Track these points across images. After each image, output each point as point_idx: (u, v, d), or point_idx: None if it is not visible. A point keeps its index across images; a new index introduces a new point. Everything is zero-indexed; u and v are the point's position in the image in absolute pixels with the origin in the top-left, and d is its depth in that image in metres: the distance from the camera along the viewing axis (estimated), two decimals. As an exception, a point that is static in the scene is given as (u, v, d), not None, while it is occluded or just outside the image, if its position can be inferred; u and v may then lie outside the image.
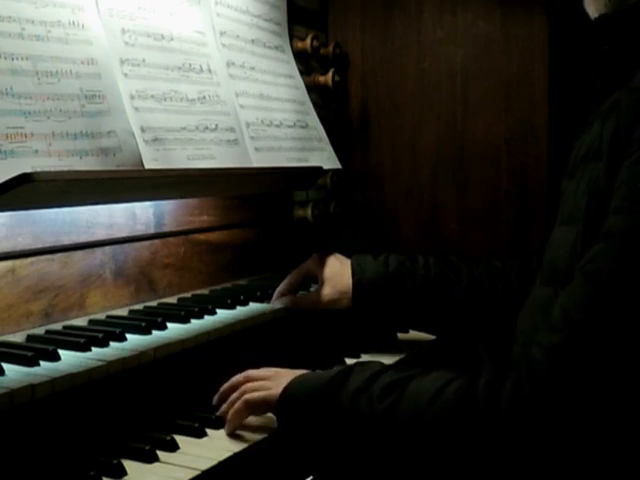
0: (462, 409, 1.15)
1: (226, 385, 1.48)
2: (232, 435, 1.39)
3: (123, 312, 1.68)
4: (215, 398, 1.48)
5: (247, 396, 1.41)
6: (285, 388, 1.35)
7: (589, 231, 1.18)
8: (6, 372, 1.25)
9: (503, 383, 1.14)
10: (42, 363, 1.31)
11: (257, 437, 1.39)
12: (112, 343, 1.44)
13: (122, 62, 1.63)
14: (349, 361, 1.78)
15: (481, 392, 1.15)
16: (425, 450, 1.18)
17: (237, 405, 1.40)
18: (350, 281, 1.84)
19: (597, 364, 1.08)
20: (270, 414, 1.41)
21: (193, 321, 1.63)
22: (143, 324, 1.53)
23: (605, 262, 1.11)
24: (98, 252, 1.65)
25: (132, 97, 1.62)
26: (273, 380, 1.42)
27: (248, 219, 2.11)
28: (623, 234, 1.10)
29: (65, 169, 1.41)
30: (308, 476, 1.41)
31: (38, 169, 1.34)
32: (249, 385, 1.43)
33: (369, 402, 1.24)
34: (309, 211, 2.29)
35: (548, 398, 1.10)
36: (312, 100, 2.24)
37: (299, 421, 1.33)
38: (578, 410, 1.08)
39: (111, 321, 1.60)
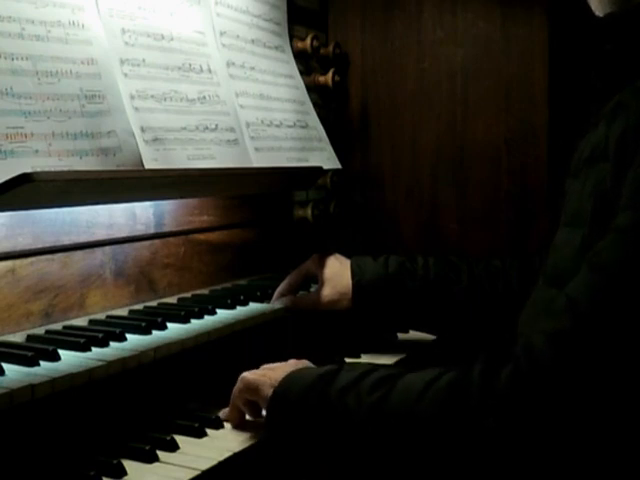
0: (454, 397, 1.12)
1: (230, 405, 1.46)
2: (232, 435, 1.39)
3: (123, 312, 1.68)
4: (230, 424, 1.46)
5: (246, 378, 1.40)
6: (275, 389, 1.34)
7: (595, 233, 1.18)
8: (6, 372, 1.25)
9: (499, 370, 1.11)
10: (42, 363, 1.31)
11: (257, 437, 1.39)
12: (112, 343, 1.44)
13: (122, 62, 1.63)
14: (349, 361, 1.78)
15: (475, 380, 1.12)
16: (416, 443, 1.15)
17: (237, 387, 1.41)
18: (350, 282, 1.84)
19: (601, 353, 1.07)
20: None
21: (193, 321, 1.63)
22: (143, 324, 1.53)
23: (613, 254, 1.10)
24: (98, 252, 1.65)
25: (132, 97, 1.62)
26: (269, 374, 1.41)
27: (248, 219, 2.11)
28: (631, 229, 1.10)
29: (65, 169, 1.41)
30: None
31: (38, 169, 1.34)
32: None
33: (357, 398, 1.22)
34: (309, 211, 2.29)
35: (548, 385, 1.07)
36: (312, 100, 2.24)
37: (289, 421, 1.31)
38: (579, 399, 1.07)
39: (111, 321, 1.60)
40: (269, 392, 1.35)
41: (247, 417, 1.45)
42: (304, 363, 1.45)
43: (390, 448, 1.18)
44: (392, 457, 1.18)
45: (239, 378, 1.42)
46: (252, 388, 1.39)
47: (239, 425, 1.43)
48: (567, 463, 1.09)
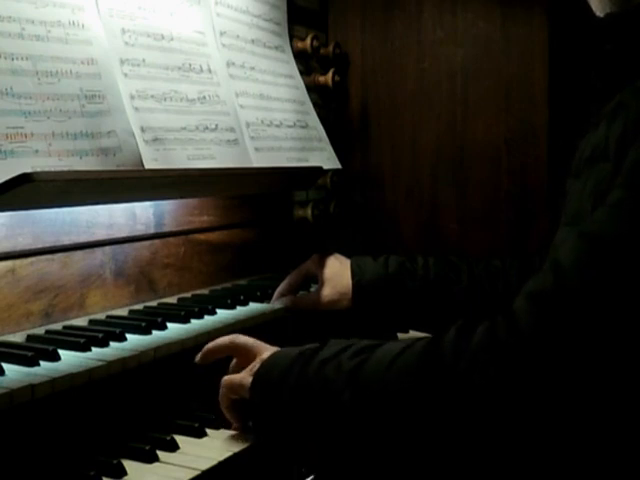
0: (427, 358, 1.11)
1: (211, 344, 1.47)
2: (232, 435, 1.39)
3: (123, 312, 1.68)
4: (198, 356, 1.47)
5: (227, 378, 1.39)
6: (255, 374, 1.33)
7: None
8: (6, 372, 1.25)
9: (475, 328, 1.09)
10: (42, 363, 1.31)
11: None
12: (112, 343, 1.44)
13: (122, 62, 1.63)
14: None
15: (449, 340, 1.10)
16: (390, 409, 1.12)
17: (220, 391, 1.40)
18: (350, 282, 1.84)
19: (581, 314, 1.04)
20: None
21: (193, 321, 1.63)
22: (143, 324, 1.53)
23: (600, 222, 1.10)
24: (98, 252, 1.65)
25: (132, 97, 1.62)
26: (252, 358, 1.40)
27: (248, 219, 2.11)
28: (620, 202, 1.09)
29: (65, 169, 1.41)
30: (309, 476, 1.41)
31: (38, 169, 1.34)
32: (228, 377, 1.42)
33: (337, 367, 1.20)
34: (309, 211, 2.29)
35: (524, 341, 1.05)
36: (312, 100, 2.24)
37: (271, 403, 1.30)
38: (556, 358, 1.04)
39: (111, 321, 1.60)
40: (250, 380, 1.34)
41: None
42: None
43: (366, 416, 1.15)
44: (369, 424, 1.15)
45: (222, 383, 1.40)
46: (234, 385, 1.38)
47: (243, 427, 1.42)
48: (543, 425, 1.05)
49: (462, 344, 1.09)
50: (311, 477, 1.41)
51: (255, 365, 1.36)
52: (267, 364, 1.34)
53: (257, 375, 1.33)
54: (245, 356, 1.43)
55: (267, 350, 1.40)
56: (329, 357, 1.24)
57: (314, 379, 1.23)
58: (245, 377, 1.36)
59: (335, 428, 1.20)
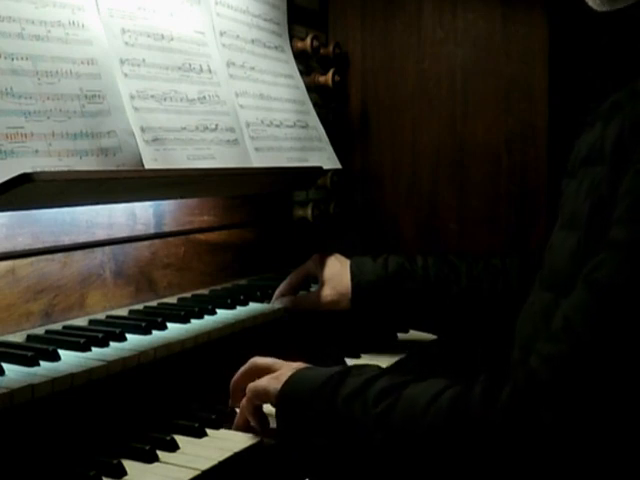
0: (456, 416, 1.14)
1: (234, 380, 1.48)
2: (232, 435, 1.39)
3: (123, 312, 1.68)
4: (230, 401, 1.48)
5: (252, 384, 1.41)
6: (283, 386, 1.35)
7: (591, 238, 1.17)
8: (6, 372, 1.25)
9: (499, 391, 1.13)
10: (42, 363, 1.31)
11: (257, 437, 1.39)
12: (112, 343, 1.44)
13: (122, 62, 1.63)
14: (349, 361, 1.78)
15: (476, 400, 1.14)
16: (419, 456, 1.17)
17: (246, 397, 1.41)
18: (350, 283, 1.84)
19: (597, 376, 1.07)
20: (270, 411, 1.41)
21: (193, 321, 1.63)
22: (143, 324, 1.53)
23: (608, 272, 1.09)
24: (98, 252, 1.65)
25: (132, 97, 1.62)
26: (277, 371, 1.41)
27: (248, 219, 2.11)
28: (626, 244, 1.08)
29: (65, 169, 1.41)
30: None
31: (38, 169, 1.34)
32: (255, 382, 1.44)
33: (363, 406, 1.23)
34: (309, 211, 2.29)
35: (544, 408, 1.08)
36: (312, 100, 2.24)
37: (296, 421, 1.32)
38: (575, 423, 1.07)
39: (111, 321, 1.60)
40: (277, 388, 1.35)
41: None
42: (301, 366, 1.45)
43: (394, 460, 1.19)
44: (395, 469, 1.19)
45: (247, 389, 1.42)
46: (259, 392, 1.39)
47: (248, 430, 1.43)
48: None
49: (488, 410, 1.12)
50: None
51: (283, 374, 1.37)
52: (296, 378, 1.35)
53: (286, 385, 1.35)
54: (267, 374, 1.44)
55: (290, 364, 1.42)
56: (355, 391, 1.26)
57: (342, 411, 1.26)
58: (270, 383, 1.38)
59: (364, 461, 1.23)
